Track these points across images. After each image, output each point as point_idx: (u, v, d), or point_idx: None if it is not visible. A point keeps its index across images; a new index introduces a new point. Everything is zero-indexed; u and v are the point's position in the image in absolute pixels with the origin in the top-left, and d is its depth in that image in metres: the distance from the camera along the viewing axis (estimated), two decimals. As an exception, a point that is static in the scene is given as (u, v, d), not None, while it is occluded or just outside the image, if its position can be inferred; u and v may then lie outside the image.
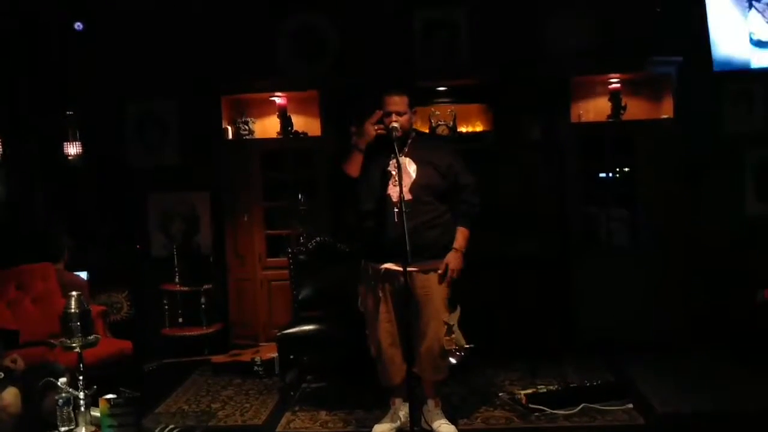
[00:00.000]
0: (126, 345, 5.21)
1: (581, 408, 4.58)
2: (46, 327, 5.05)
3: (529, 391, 4.72)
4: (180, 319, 6.30)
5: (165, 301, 6.31)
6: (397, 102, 4.11)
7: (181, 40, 6.32)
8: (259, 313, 6.19)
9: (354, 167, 4.13)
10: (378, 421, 4.40)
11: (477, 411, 4.68)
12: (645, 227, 5.93)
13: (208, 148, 6.34)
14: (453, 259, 4.15)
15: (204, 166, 6.42)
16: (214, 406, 5.02)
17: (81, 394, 3.30)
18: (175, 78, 6.40)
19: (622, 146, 6.01)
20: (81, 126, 6.10)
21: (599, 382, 4.91)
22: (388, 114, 4.09)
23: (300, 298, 5.24)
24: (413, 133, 4.29)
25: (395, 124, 4.05)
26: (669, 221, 5.87)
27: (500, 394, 4.93)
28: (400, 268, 3.88)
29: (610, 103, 6.03)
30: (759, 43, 5.75)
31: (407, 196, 4.00)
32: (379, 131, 4.08)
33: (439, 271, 4.13)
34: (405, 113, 4.13)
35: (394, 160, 3.98)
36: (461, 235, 4.19)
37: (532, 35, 6.09)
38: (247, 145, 6.27)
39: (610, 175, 6.21)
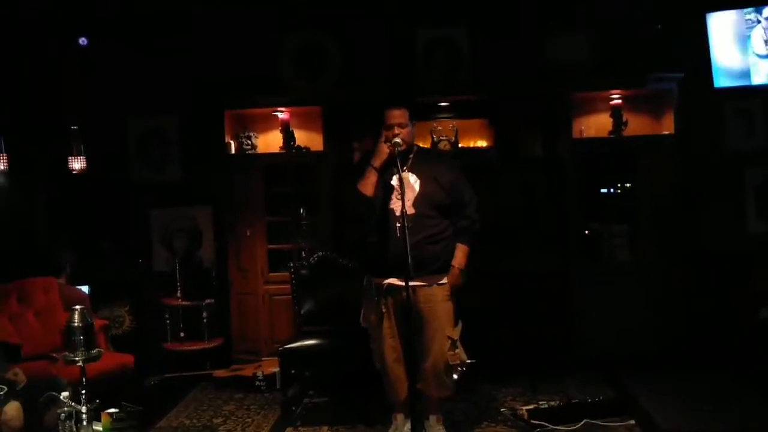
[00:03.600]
0: (128, 359, 5.21)
1: (583, 424, 4.57)
2: (48, 341, 5.07)
3: (531, 406, 4.72)
4: (182, 334, 6.28)
5: (167, 316, 6.29)
6: (398, 115, 4.14)
7: (185, 56, 6.36)
8: (260, 327, 6.19)
9: (369, 187, 4.14)
10: (380, 436, 4.40)
11: (479, 426, 4.67)
12: (646, 243, 5.93)
13: (210, 162, 6.35)
14: (451, 277, 4.17)
15: (206, 180, 6.43)
16: (215, 421, 5.02)
17: (83, 408, 3.30)
18: (178, 93, 6.43)
19: (623, 162, 6.03)
20: (85, 141, 6.13)
21: (601, 397, 4.90)
22: (390, 127, 4.12)
23: (302, 312, 5.25)
24: (415, 148, 4.32)
25: (398, 139, 4.08)
26: (670, 237, 5.88)
27: (502, 410, 4.92)
28: (403, 283, 3.89)
29: (611, 119, 6.06)
30: (759, 60, 5.77)
31: (411, 211, 4.02)
32: (390, 149, 4.09)
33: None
34: (406, 126, 4.16)
35: (397, 175, 4.01)
36: (461, 252, 4.20)
37: (533, 51, 6.13)
38: (250, 159, 6.30)
39: (612, 190, 6.22)
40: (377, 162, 4.13)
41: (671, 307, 5.84)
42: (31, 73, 6.26)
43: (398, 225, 3.98)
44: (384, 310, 4.17)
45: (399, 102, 4.22)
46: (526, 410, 4.67)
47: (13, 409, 3.71)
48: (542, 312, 5.84)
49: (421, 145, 4.65)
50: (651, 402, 4.85)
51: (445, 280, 4.17)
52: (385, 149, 4.11)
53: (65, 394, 3.35)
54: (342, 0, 6.32)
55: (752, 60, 5.77)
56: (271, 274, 6.21)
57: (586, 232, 6.07)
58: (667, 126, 6.02)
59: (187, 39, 6.37)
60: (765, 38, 5.73)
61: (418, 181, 4.16)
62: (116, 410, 3.48)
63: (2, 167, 5.47)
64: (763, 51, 5.75)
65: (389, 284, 4.13)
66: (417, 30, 6.33)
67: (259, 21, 6.38)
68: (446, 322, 4.15)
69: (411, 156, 4.23)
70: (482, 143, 6.27)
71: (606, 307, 5.84)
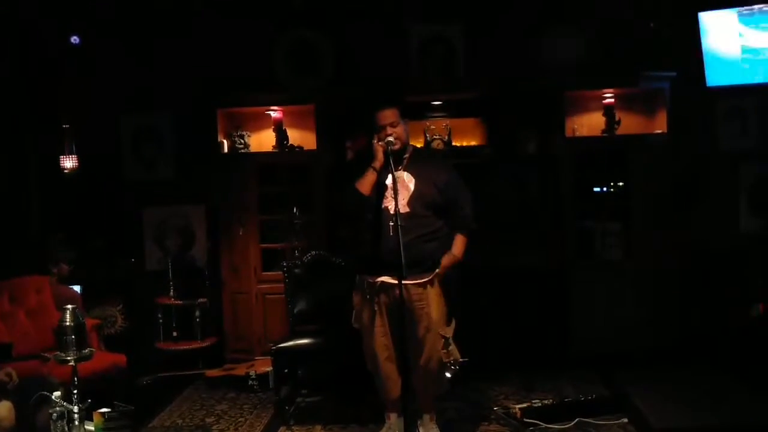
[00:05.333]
0: (120, 359, 5.19)
1: (576, 422, 4.58)
2: (40, 340, 5.05)
3: (524, 405, 4.73)
4: (174, 333, 6.26)
5: (159, 315, 6.28)
6: (388, 115, 4.15)
7: (179, 54, 6.35)
8: (253, 326, 6.18)
9: (367, 186, 4.13)
10: (373, 435, 4.40)
11: (472, 425, 4.68)
12: (640, 241, 5.94)
13: (203, 161, 6.33)
14: (447, 259, 4.17)
15: (199, 179, 6.42)
16: (208, 420, 5.01)
17: (75, 408, 3.28)
18: (171, 91, 6.41)
19: (617, 160, 6.04)
20: (77, 139, 6.10)
21: (594, 396, 4.92)
22: (382, 128, 4.13)
23: (295, 311, 5.24)
24: (410, 148, 4.33)
25: (390, 138, 4.09)
26: (664, 235, 5.89)
27: (495, 408, 4.93)
28: (396, 281, 3.89)
29: (604, 118, 6.07)
30: (751, 59, 5.78)
31: (405, 209, 4.03)
32: (384, 148, 4.09)
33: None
34: (398, 124, 4.16)
35: (391, 174, 4.00)
36: (459, 241, 4.22)
37: (527, 50, 6.13)
38: (243, 158, 6.28)
39: (605, 189, 6.23)
40: (377, 164, 4.13)
41: (665, 305, 5.85)
42: (24, 70, 6.24)
43: (391, 224, 3.98)
44: (376, 309, 4.17)
45: (388, 102, 4.23)
46: (519, 409, 4.68)
47: (5, 409, 3.70)
48: (536, 310, 5.85)
49: (416, 145, 4.67)
50: (645, 400, 4.86)
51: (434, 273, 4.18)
52: (380, 149, 4.11)
53: (57, 393, 3.33)
54: (336, -1, 6.33)
55: (744, 58, 5.77)
56: (264, 273, 6.20)
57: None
58: (660, 125, 6.03)
59: (181, 37, 6.35)
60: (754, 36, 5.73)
61: (413, 180, 4.17)
62: (108, 410, 3.46)
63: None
64: (753, 51, 5.76)
65: (382, 282, 4.13)
66: (411, 28, 6.32)
67: (253, 20, 6.36)
68: (439, 321, 4.15)
69: (406, 155, 4.24)
70: (475, 142, 6.28)
71: (600, 305, 5.86)
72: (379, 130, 4.14)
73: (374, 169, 4.13)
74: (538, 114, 6.05)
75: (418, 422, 4.32)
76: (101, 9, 6.23)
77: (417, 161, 4.23)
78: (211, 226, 6.47)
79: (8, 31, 6.02)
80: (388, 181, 4.11)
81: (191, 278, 6.35)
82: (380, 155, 4.11)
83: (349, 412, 4.89)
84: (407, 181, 4.17)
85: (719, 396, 4.94)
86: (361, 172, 4.15)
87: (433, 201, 4.17)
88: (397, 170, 4.03)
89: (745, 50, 5.71)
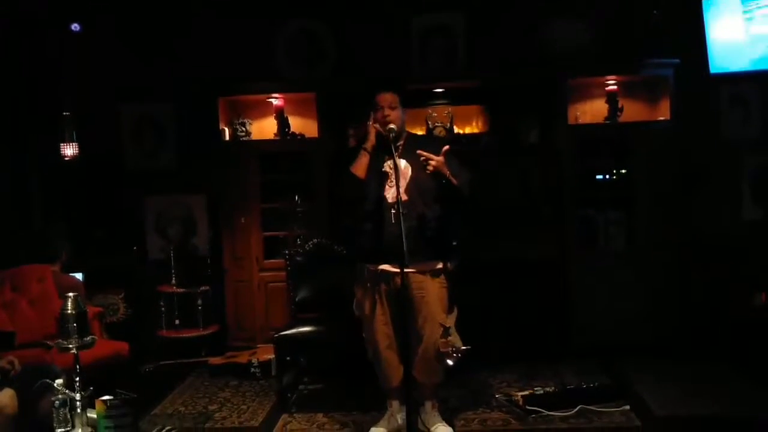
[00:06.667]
0: (122, 346, 5.20)
1: (578, 410, 4.58)
2: (43, 328, 5.05)
3: (526, 392, 4.73)
4: (177, 321, 6.28)
5: (161, 303, 6.29)
6: (388, 98, 4.15)
7: (180, 42, 6.32)
8: (256, 314, 6.19)
9: (361, 169, 4.13)
10: (375, 423, 4.40)
11: (474, 413, 4.68)
12: (642, 230, 5.93)
13: (204, 150, 6.32)
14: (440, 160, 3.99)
15: (201, 168, 6.40)
16: (210, 407, 5.02)
17: (77, 396, 3.28)
18: (172, 79, 6.39)
19: (619, 148, 6.02)
20: (78, 127, 6.09)
21: (596, 384, 4.92)
22: (380, 108, 4.12)
23: (297, 299, 5.24)
24: (405, 134, 4.30)
25: (392, 126, 4.06)
26: (666, 224, 5.87)
27: (497, 396, 4.93)
28: (397, 269, 3.88)
29: (606, 105, 6.04)
30: (756, 44, 5.74)
31: (403, 197, 4.00)
32: (378, 129, 4.09)
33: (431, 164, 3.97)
34: (396, 108, 4.15)
35: (390, 161, 3.99)
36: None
37: (529, 37, 6.10)
38: (245, 146, 6.27)
39: (607, 177, 6.20)
40: (369, 144, 4.12)
41: (667, 294, 5.83)
42: (24, 58, 6.22)
43: (392, 212, 3.97)
44: (377, 297, 4.16)
45: (389, 86, 4.21)
46: (522, 396, 4.68)
47: (7, 396, 3.70)
48: (539, 299, 5.84)
49: (415, 132, 4.64)
50: (646, 388, 4.86)
51: (440, 266, 4.17)
52: (372, 130, 4.11)
53: (59, 381, 3.33)
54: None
55: (749, 43, 5.73)
56: (266, 261, 6.20)
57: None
58: (663, 112, 6.00)
59: (183, 26, 6.33)
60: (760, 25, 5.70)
61: (410, 167, 4.15)
62: (111, 397, 3.45)
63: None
64: (758, 38, 5.72)
65: (383, 270, 4.12)
66: (413, 17, 6.29)
67: (255, 8, 6.34)
68: (439, 309, 4.14)
69: (401, 142, 4.21)
70: (478, 129, 6.26)
71: (602, 295, 5.84)
72: (376, 109, 4.13)
73: (366, 150, 4.12)
74: (540, 101, 6.03)
75: (420, 410, 4.32)
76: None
77: (412, 147, 4.17)
78: (213, 214, 6.47)
79: (8, 18, 5.99)
80: (386, 168, 4.11)
81: (193, 266, 6.35)
82: (372, 137, 4.11)
83: (351, 400, 4.90)
84: (404, 168, 4.14)
85: (721, 385, 4.94)
86: (356, 156, 4.14)
87: (430, 186, 4.12)
88: (395, 157, 4.00)
89: (750, 35, 5.67)
